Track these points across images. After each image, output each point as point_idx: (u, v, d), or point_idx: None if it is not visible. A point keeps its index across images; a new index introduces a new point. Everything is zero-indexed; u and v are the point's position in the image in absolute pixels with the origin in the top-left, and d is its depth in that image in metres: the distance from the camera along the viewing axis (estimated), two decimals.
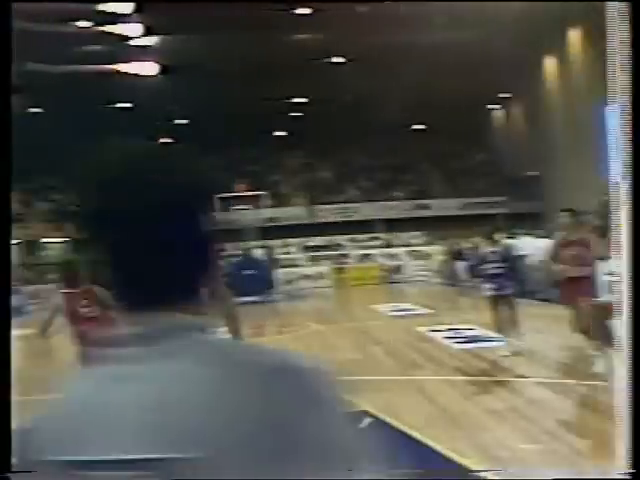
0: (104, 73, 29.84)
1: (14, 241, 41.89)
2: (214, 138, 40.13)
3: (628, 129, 3.55)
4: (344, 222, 40.91)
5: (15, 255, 41.80)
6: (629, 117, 3.56)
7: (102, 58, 29.21)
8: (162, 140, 23.63)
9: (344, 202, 42.61)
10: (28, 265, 40.76)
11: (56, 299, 8.46)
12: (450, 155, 44.46)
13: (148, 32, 28.14)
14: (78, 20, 26.86)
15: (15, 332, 9.03)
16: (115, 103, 38.11)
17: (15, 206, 45.12)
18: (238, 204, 38.11)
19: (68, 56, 28.82)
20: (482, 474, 5.88)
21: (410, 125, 44.82)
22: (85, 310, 8.02)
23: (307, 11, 29.26)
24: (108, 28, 27.45)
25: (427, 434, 6.98)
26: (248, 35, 29.96)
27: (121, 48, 29.14)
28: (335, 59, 35.17)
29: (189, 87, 34.38)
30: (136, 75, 31.25)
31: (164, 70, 30.84)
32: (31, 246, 42.61)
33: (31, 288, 33.75)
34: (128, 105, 38.68)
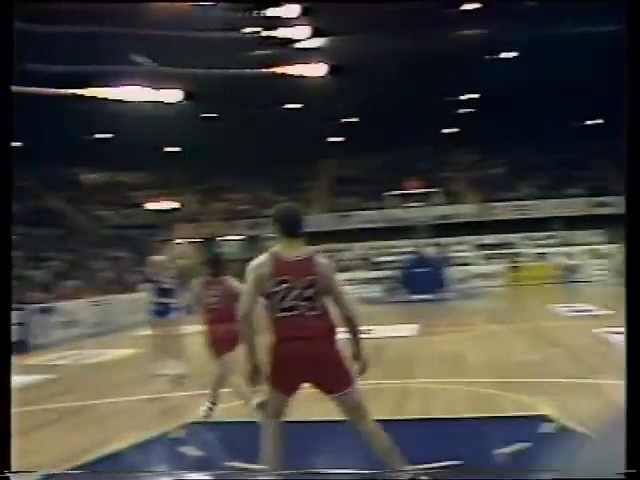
0: (273, 76, 30.45)
1: (194, 240, 43.58)
2: (384, 136, 40.27)
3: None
4: (518, 220, 40.12)
5: (196, 253, 43.39)
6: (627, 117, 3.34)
7: (271, 61, 29.82)
8: (332, 139, 24.01)
9: (518, 199, 41.77)
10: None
11: (194, 290, 8.80)
12: None
13: (315, 34, 28.48)
14: (246, 26, 27.52)
15: (191, 328, 9.33)
16: (285, 104, 38.85)
17: (194, 206, 46.90)
18: (409, 201, 38.05)
19: (238, 61, 29.59)
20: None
21: (585, 119, 43.44)
22: (213, 300, 8.27)
23: (474, 7, 28.84)
24: (276, 32, 27.98)
25: None
26: (415, 33, 29.87)
27: (289, 51, 29.65)
28: (504, 54, 34.54)
29: (357, 86, 34.61)
30: (304, 77, 31.71)
31: (332, 70, 31.13)
32: (208, 244, 44.10)
33: None
34: (298, 106, 39.33)
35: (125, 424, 9.02)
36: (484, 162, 45.86)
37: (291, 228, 5.41)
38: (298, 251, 5.32)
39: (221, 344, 8.16)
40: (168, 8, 26.31)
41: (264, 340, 5.34)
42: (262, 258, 5.34)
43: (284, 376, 5.27)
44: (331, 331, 5.31)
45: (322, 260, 5.37)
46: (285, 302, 5.20)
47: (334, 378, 5.28)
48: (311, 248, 5.40)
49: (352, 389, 5.31)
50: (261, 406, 7.72)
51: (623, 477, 2.32)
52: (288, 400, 5.38)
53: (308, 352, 5.18)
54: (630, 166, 3.42)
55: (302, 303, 5.19)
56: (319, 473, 5.79)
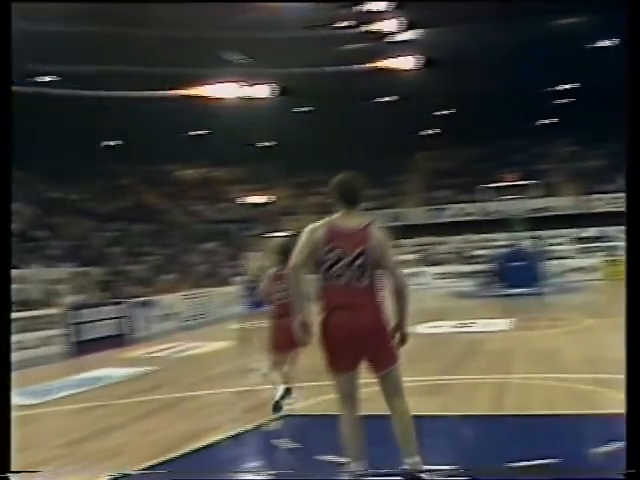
0: (367, 69, 30.45)
1: (286, 233, 43.91)
2: (479, 128, 39.79)
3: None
4: (617, 212, 39.14)
5: (289, 247, 43.74)
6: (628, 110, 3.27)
7: (365, 55, 29.84)
8: (427, 132, 23.84)
9: (616, 192, 40.74)
10: None
11: (264, 284, 8.51)
12: None
13: (408, 27, 28.37)
14: (341, 21, 27.60)
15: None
16: (379, 98, 38.74)
17: (287, 201, 47.25)
18: (506, 194, 37.54)
19: (332, 56, 29.66)
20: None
21: None
22: (279, 295, 7.93)
23: None
24: (369, 26, 28.00)
25: None
26: (509, 23, 29.44)
27: (382, 44, 29.60)
28: (603, 42, 33.73)
29: (451, 78, 34.31)
30: (398, 70, 31.64)
31: (426, 63, 31.01)
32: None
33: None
34: (392, 99, 39.17)
35: (221, 416, 9.16)
36: (582, 153, 44.87)
37: (347, 198, 5.37)
38: (354, 221, 5.31)
39: (283, 342, 7.82)
40: (262, 5, 26.55)
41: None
42: (318, 224, 5.36)
43: (336, 348, 5.23)
44: (378, 302, 5.27)
45: (377, 231, 5.31)
46: (333, 270, 5.21)
47: (384, 351, 5.27)
48: (368, 218, 5.35)
49: (398, 364, 5.33)
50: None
51: (623, 477, 2.25)
52: (352, 379, 5.33)
53: (356, 321, 5.15)
54: (630, 166, 3.38)
55: (351, 273, 5.19)
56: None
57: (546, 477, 5.70)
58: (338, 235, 5.23)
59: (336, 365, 5.28)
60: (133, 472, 6.16)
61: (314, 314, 5.33)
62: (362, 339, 5.16)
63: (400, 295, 5.29)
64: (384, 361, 5.28)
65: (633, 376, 3.07)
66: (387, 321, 5.28)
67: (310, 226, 5.39)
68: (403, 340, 5.34)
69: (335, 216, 5.37)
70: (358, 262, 5.19)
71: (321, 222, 5.36)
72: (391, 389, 5.32)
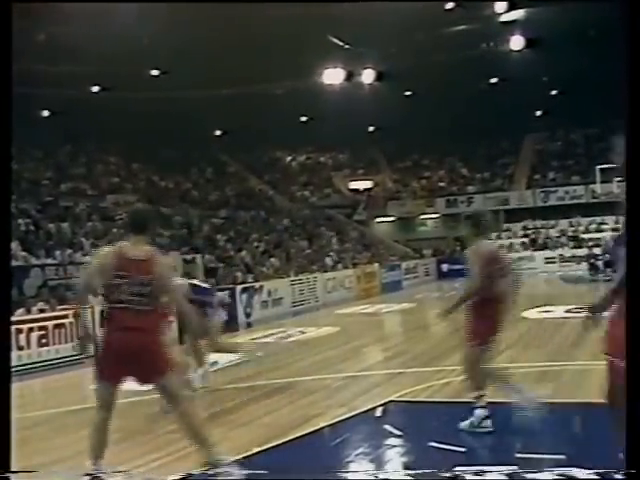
0: (474, 51, 30.00)
1: (390, 218, 43.82)
2: (589, 108, 38.69)
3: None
4: None
5: (390, 232, 43.74)
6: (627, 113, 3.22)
7: (472, 37, 29.37)
8: (534, 113, 23.25)
9: None
10: (403, 241, 42.35)
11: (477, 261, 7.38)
12: None
13: (512, 7, 27.83)
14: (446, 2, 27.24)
15: (393, 307, 9.49)
16: (485, 79, 38.03)
17: (392, 185, 47.01)
18: (619, 176, 36.52)
19: (436, 38, 29.28)
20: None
21: None
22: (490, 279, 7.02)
23: None
24: (476, 9, 27.61)
25: None
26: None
27: (488, 25, 29.10)
28: None
29: (558, 58, 33.42)
30: (503, 50, 31.12)
31: (530, 43, 30.39)
32: (406, 223, 44.18)
33: (407, 264, 34.78)
34: (497, 80, 38.37)
35: (327, 401, 9.23)
36: None
37: (135, 227, 5.92)
38: (141, 250, 5.80)
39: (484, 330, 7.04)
40: None
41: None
42: (107, 249, 6.00)
43: (110, 362, 5.77)
44: (160, 326, 5.93)
45: (162, 260, 5.89)
46: (120, 295, 5.69)
47: (149, 369, 5.77)
48: (152, 248, 5.89)
49: (166, 380, 5.82)
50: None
51: (623, 477, 2.16)
52: (114, 390, 5.88)
53: (131, 343, 5.65)
54: (630, 165, 3.35)
55: (136, 298, 5.66)
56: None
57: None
58: (126, 262, 5.72)
59: (106, 376, 5.83)
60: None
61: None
62: (133, 358, 5.66)
63: (185, 318, 6.33)
64: (149, 377, 5.86)
65: (633, 375, 3.00)
66: (162, 342, 5.94)
67: (99, 252, 6.15)
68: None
69: (125, 243, 5.90)
70: (145, 290, 5.68)
71: (110, 248, 5.98)
72: (167, 399, 6.00)
